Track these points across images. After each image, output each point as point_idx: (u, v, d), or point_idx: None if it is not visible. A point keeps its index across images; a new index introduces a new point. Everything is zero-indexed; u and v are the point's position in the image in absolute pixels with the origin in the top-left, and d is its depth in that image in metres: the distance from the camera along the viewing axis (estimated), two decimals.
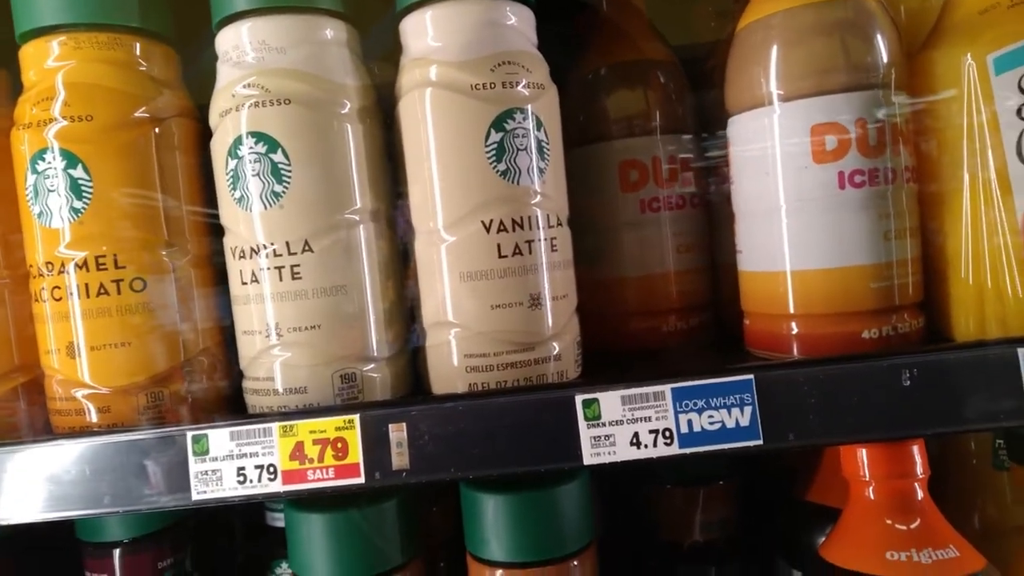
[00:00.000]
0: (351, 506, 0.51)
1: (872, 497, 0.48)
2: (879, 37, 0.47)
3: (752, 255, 0.52)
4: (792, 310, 0.49)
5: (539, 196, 0.49)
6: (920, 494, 0.47)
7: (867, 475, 0.47)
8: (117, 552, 0.64)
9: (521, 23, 0.50)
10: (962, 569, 0.45)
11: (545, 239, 0.49)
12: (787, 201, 0.49)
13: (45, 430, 0.51)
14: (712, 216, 0.62)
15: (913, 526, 0.46)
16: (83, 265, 0.47)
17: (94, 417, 0.48)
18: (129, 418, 0.48)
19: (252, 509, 0.82)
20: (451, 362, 0.49)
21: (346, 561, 0.50)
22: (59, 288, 0.47)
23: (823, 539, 0.51)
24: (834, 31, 0.47)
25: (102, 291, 0.47)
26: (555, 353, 0.50)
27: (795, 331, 0.49)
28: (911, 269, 0.48)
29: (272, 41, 0.48)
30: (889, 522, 0.47)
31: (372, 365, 0.49)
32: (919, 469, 0.47)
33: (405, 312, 0.52)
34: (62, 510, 0.45)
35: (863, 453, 0.48)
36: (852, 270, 0.47)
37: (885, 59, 0.48)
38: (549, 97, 0.51)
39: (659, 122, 0.60)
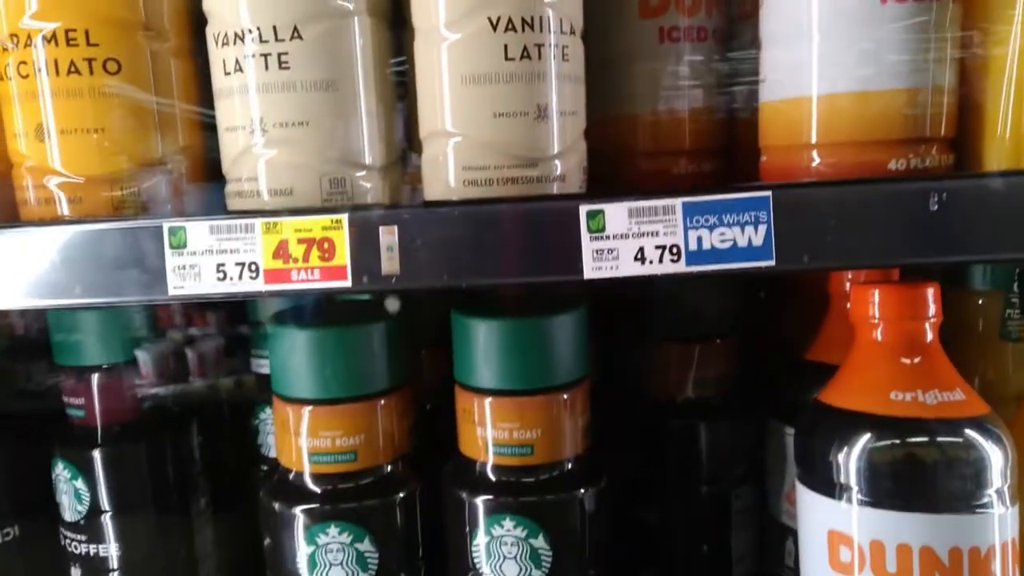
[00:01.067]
0: (336, 323, 0.49)
1: (880, 339, 0.46)
2: None
3: (775, 82, 0.48)
4: (815, 139, 0.46)
5: None
6: (930, 336, 0.45)
7: (877, 316, 0.45)
8: (95, 377, 0.62)
9: None
10: (966, 411, 0.43)
11: (556, 45, 0.45)
12: (820, 16, 0.44)
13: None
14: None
15: (920, 368, 0.45)
16: (52, 39, 0.43)
17: (65, 208, 0.45)
18: (103, 212, 0.45)
19: (236, 363, 0.81)
20: (448, 174, 0.46)
21: (328, 379, 0.49)
22: (26, 64, 0.43)
23: None
24: None
25: (73, 70, 0.43)
26: (559, 173, 0.46)
27: (816, 162, 0.46)
28: (947, 99, 0.45)
29: None
30: (895, 363, 0.45)
31: (363, 172, 0.46)
32: (931, 311, 0.45)
33: (400, 120, 0.49)
34: (30, 298, 0.43)
35: (875, 293, 0.45)
36: (885, 94, 0.44)
37: None
38: None
39: None
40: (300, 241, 0.42)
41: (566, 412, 0.49)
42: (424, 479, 0.53)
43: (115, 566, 0.63)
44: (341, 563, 0.48)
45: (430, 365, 0.64)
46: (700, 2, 0.55)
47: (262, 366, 0.76)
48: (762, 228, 0.41)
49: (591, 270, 0.42)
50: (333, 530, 0.48)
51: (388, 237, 0.42)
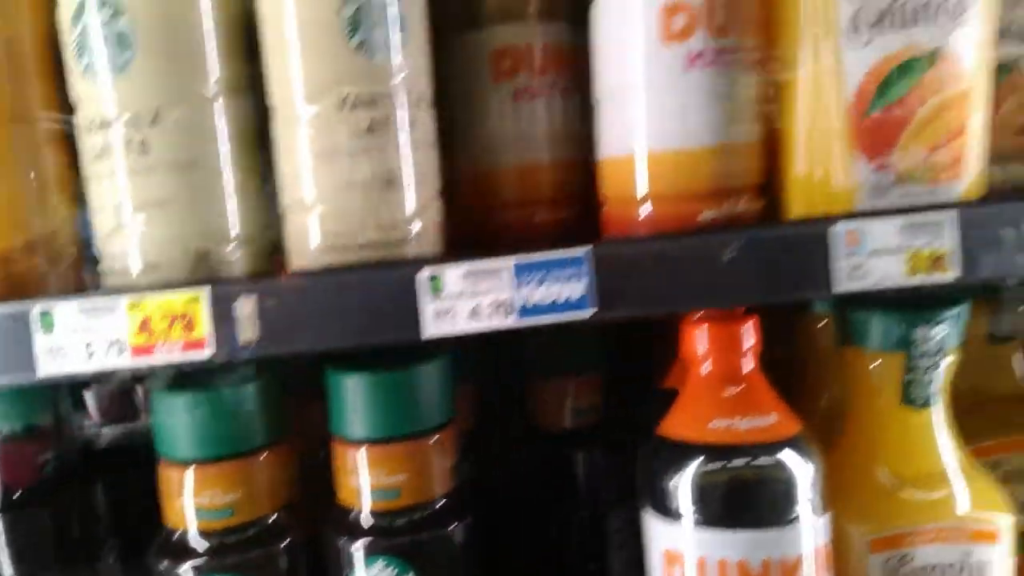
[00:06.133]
0: (211, 386, 0.52)
1: (704, 372, 0.51)
2: None
3: (607, 140, 0.53)
4: (640, 193, 0.51)
5: (398, 73, 0.49)
6: (749, 366, 0.50)
7: (698, 351, 0.50)
8: None
9: None
10: (775, 434, 0.48)
11: (404, 118, 0.49)
12: (635, 82, 0.50)
13: None
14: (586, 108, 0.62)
15: (738, 397, 0.50)
16: None
17: None
18: None
19: None
20: (309, 243, 0.50)
21: (204, 439, 0.52)
22: None
23: None
24: None
25: None
26: (415, 234, 0.50)
27: (643, 215, 0.51)
28: (752, 152, 0.50)
29: None
30: (717, 394, 0.50)
31: (230, 246, 0.50)
32: (745, 343, 0.50)
33: (264, 193, 0.52)
34: None
35: (694, 332, 0.51)
36: (695, 152, 0.49)
37: None
38: None
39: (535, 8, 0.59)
40: (164, 317, 0.46)
41: (432, 455, 0.53)
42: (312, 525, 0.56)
43: None
44: None
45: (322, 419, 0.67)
46: (550, 64, 0.59)
47: None
48: (584, 281, 0.46)
49: (432, 329, 0.46)
50: None
51: (247, 307, 0.46)
